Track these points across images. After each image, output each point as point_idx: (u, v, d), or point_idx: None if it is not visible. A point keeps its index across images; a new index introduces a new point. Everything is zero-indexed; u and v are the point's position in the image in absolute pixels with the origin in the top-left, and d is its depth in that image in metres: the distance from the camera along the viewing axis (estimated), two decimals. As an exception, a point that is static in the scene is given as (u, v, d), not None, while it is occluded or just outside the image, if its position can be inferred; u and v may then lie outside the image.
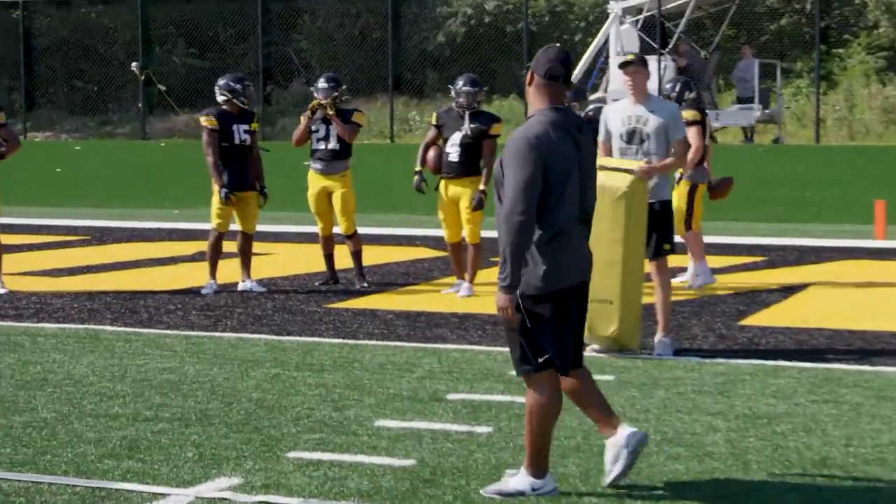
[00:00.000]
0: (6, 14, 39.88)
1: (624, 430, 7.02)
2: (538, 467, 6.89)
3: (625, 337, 10.54)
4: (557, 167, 6.78)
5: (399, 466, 7.36)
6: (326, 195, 14.28)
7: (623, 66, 10.71)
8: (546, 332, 6.84)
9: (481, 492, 6.83)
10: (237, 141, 13.88)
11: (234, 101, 13.95)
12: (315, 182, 14.33)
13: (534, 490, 6.86)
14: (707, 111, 14.27)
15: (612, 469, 6.97)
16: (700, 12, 33.45)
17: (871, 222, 19.38)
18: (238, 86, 14.00)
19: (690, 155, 13.34)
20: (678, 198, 13.76)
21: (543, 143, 6.75)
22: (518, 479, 6.89)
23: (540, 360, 6.83)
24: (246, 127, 13.94)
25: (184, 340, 11.31)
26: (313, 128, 14.26)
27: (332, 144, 14.22)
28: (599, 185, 10.48)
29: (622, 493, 6.86)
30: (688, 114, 13.52)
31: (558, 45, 7.12)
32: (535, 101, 6.94)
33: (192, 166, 27.24)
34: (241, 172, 13.88)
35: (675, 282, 13.62)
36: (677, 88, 14.22)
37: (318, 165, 14.31)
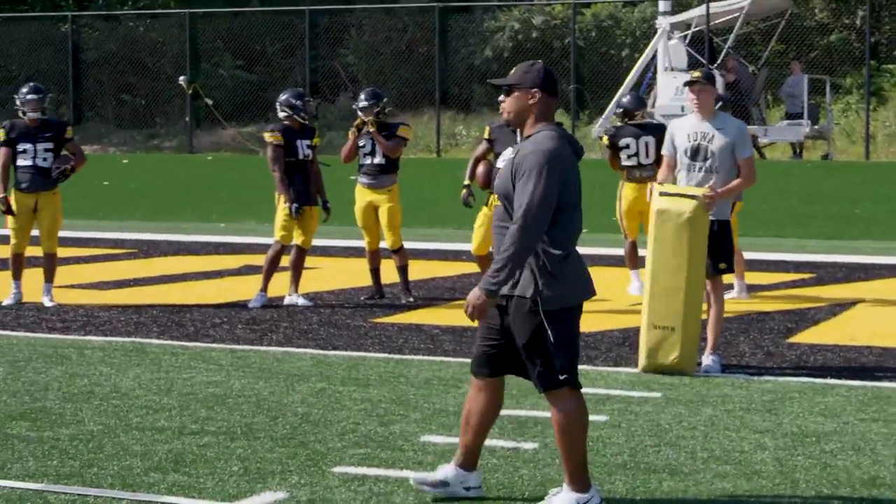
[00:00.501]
0: (55, 28, 40.17)
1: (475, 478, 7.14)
2: (581, 482, 6.87)
3: (684, 363, 10.47)
4: (571, 183, 6.84)
5: (444, 482, 7.34)
6: (373, 209, 14.31)
7: (689, 84, 10.69)
8: (570, 346, 6.87)
9: None
10: (300, 156, 13.94)
11: (295, 116, 14.01)
12: (362, 196, 14.36)
13: None
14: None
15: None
16: (749, 27, 33.38)
17: (922, 239, 19.25)
18: (298, 102, 14.08)
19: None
20: None
21: (559, 158, 6.81)
22: (563, 497, 6.87)
23: (563, 376, 6.82)
24: (308, 142, 14.01)
25: (230, 354, 11.34)
26: (360, 143, 14.30)
27: (379, 159, 14.25)
28: (662, 209, 10.50)
29: (669, 510, 6.84)
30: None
31: (540, 61, 7.16)
32: (535, 117, 6.95)
33: (239, 180, 27.39)
34: (305, 187, 13.95)
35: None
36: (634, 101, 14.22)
37: (365, 180, 14.34)
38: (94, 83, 40.62)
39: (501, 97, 7.09)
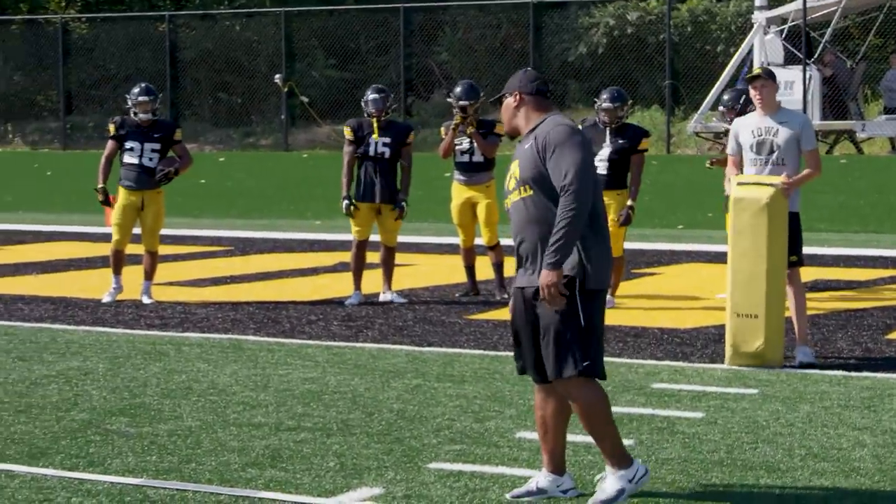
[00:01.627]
0: (152, 28, 40.56)
1: (568, 480, 7.13)
2: (622, 458, 6.89)
3: (769, 352, 10.45)
4: (591, 160, 6.93)
5: (540, 478, 7.34)
6: (470, 206, 14.32)
7: (750, 80, 10.74)
8: (598, 332, 6.89)
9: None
10: (371, 152, 13.93)
11: (366, 112, 14.05)
12: (459, 193, 14.37)
13: (630, 481, 6.86)
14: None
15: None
16: (846, 21, 33.02)
17: None
18: (368, 98, 14.06)
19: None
20: None
21: (580, 132, 6.92)
22: (612, 481, 6.86)
23: (585, 363, 6.81)
24: (385, 139, 13.97)
25: (325, 351, 11.41)
26: (456, 141, 14.30)
27: (477, 156, 14.25)
28: (739, 198, 10.53)
29: (766, 508, 6.80)
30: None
31: (529, 68, 7.29)
32: (530, 115, 7.05)
33: (334, 178, 27.39)
34: (374, 183, 13.91)
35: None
36: (741, 101, 13.97)
37: (462, 177, 14.35)
38: (190, 82, 40.92)
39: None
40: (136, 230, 14.40)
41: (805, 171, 10.66)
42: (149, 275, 14.32)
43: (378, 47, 39.58)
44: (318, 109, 32.66)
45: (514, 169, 7.00)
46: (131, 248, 14.64)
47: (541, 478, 7.11)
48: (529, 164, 6.90)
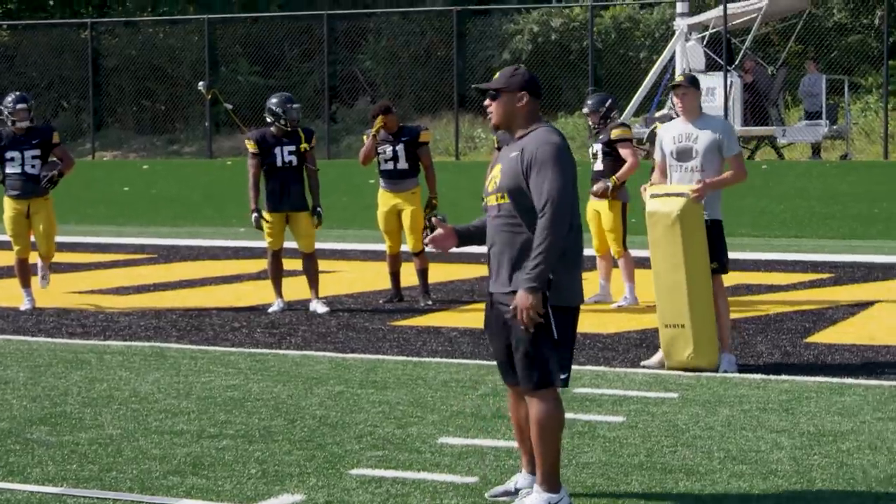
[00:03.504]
0: (75, 35, 40.29)
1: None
2: (553, 482, 6.89)
3: (701, 359, 10.51)
4: (574, 179, 6.92)
5: (461, 483, 7.37)
6: (396, 213, 14.33)
7: (673, 87, 10.82)
8: (570, 346, 6.95)
9: None
10: (279, 163, 13.87)
11: (277, 123, 13.98)
12: (385, 200, 14.38)
13: None
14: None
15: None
16: (767, 28, 33.32)
17: (941, 239, 19.22)
18: (279, 109, 13.95)
19: (627, 171, 13.59)
20: (612, 218, 13.89)
21: (567, 151, 6.93)
22: (534, 498, 6.87)
23: (563, 375, 6.89)
24: (291, 148, 13.91)
25: (248, 358, 11.38)
26: (379, 150, 14.31)
27: (401, 164, 14.27)
28: (652, 211, 10.61)
29: (685, 510, 6.85)
30: (618, 132, 13.75)
31: (523, 66, 7.23)
32: (526, 119, 7.01)
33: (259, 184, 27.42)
34: (283, 193, 13.87)
35: (613, 306, 13.82)
36: (606, 105, 14.13)
37: (388, 184, 14.36)
38: (114, 89, 40.71)
39: (487, 101, 7.07)
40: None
41: (725, 174, 10.68)
42: (44, 275, 14.48)
43: (302, 54, 39.53)
44: (242, 116, 32.56)
45: (496, 173, 7.02)
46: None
47: (520, 478, 7.14)
48: (511, 174, 6.91)
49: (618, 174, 13.74)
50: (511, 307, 6.80)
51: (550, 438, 6.86)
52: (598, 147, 14.00)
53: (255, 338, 12.43)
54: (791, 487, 7.27)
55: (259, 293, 15.24)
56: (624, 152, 13.78)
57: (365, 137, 14.48)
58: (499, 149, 13.50)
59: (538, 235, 6.75)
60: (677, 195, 10.49)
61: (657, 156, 10.93)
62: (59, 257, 14.63)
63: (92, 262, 18.57)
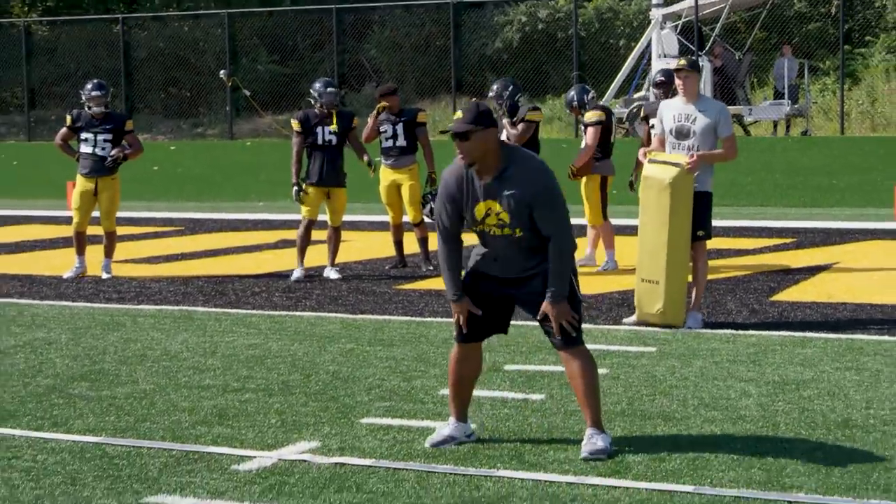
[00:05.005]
0: (108, 29, 40.19)
1: (470, 426, 7.27)
2: (600, 423, 6.98)
3: (669, 314, 10.53)
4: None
5: (461, 430, 7.36)
6: (396, 187, 14.31)
7: (676, 71, 10.73)
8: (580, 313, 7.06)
9: (582, 457, 6.78)
10: (320, 141, 13.83)
11: (316, 104, 13.95)
12: (386, 176, 14.36)
13: (610, 444, 6.90)
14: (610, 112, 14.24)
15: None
16: (734, 17, 33.23)
17: (892, 206, 19.20)
18: (318, 91, 13.94)
19: (587, 155, 13.54)
20: (592, 190, 13.88)
21: (550, 171, 6.98)
22: (603, 439, 6.87)
23: (581, 334, 6.98)
24: (330, 128, 13.88)
25: (267, 319, 11.38)
26: (381, 128, 14.29)
27: (400, 142, 14.25)
28: (648, 175, 10.60)
29: (663, 452, 6.85)
30: (590, 115, 13.71)
31: (478, 101, 7.17)
32: (498, 149, 6.84)
33: (275, 163, 27.37)
34: (325, 169, 13.81)
35: (599, 269, 13.86)
36: (576, 95, 14.10)
37: (389, 161, 14.35)
38: (144, 78, 40.60)
39: (457, 143, 6.80)
40: (97, 213, 14.35)
41: (716, 151, 10.67)
42: (108, 252, 14.31)
43: (314, 44, 39.43)
44: (259, 101, 32.48)
45: (496, 208, 6.84)
46: (93, 230, 14.55)
47: (451, 426, 7.17)
48: (518, 213, 6.81)
49: (575, 160, 13.79)
50: (542, 314, 6.90)
51: (597, 385, 6.98)
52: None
53: (273, 301, 12.42)
54: (758, 431, 7.28)
55: (277, 261, 15.23)
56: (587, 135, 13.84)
57: (370, 119, 14.44)
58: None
59: (555, 259, 6.81)
60: (674, 164, 10.49)
61: (657, 129, 10.89)
62: (93, 230, 14.59)
63: (126, 234, 18.54)
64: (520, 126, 13.60)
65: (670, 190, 10.42)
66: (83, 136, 14.21)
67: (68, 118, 14.44)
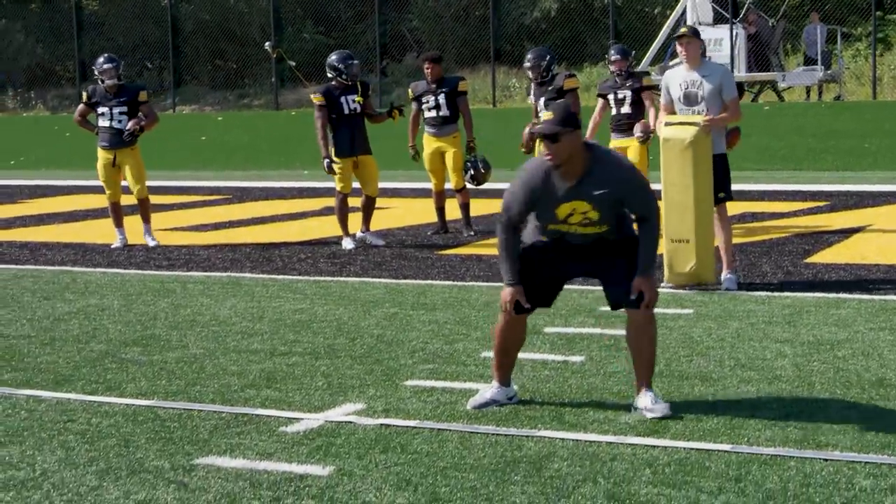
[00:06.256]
0: (156, 3, 40.25)
1: (513, 389, 7.24)
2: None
3: (702, 272, 10.50)
4: None
5: (502, 392, 7.35)
6: (440, 154, 14.31)
7: (677, 38, 10.69)
8: None
9: (651, 416, 6.75)
10: (346, 111, 13.75)
11: (339, 78, 13.85)
12: (429, 144, 14.36)
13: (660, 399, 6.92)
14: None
15: None
16: (768, -16, 32.97)
17: (924, 169, 19.04)
18: (341, 65, 13.82)
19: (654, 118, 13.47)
20: (641, 156, 13.70)
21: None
22: (660, 406, 6.83)
23: None
24: (354, 97, 13.81)
25: (313, 285, 11.39)
26: (423, 99, 14.28)
27: (444, 111, 14.24)
28: (668, 137, 10.55)
29: (701, 412, 6.82)
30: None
31: (564, 101, 7.16)
32: (583, 149, 6.74)
33: (320, 132, 27.46)
34: (354, 139, 13.75)
35: None
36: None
37: (432, 130, 14.34)
38: (191, 50, 40.68)
39: (545, 144, 6.65)
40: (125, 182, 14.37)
41: (724, 114, 10.60)
42: (145, 219, 14.31)
43: (356, 15, 39.38)
44: (304, 72, 32.51)
45: (583, 207, 6.76)
46: (128, 199, 14.56)
47: (494, 390, 7.14)
48: (608, 210, 6.77)
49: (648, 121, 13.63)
50: (636, 293, 6.86)
51: (656, 342, 7.05)
52: (627, 93, 13.77)
53: (318, 267, 12.44)
54: (794, 391, 7.24)
55: (322, 228, 15.25)
56: (647, 101, 13.68)
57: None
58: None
59: (647, 239, 6.82)
60: (691, 124, 10.45)
61: (664, 99, 10.86)
62: (127, 199, 14.61)
63: (174, 203, 18.61)
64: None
65: (692, 149, 10.39)
66: (100, 110, 14.22)
67: (84, 94, 14.50)
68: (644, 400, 6.88)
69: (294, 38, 38.74)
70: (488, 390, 7.18)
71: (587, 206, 6.76)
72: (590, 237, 6.92)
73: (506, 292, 6.98)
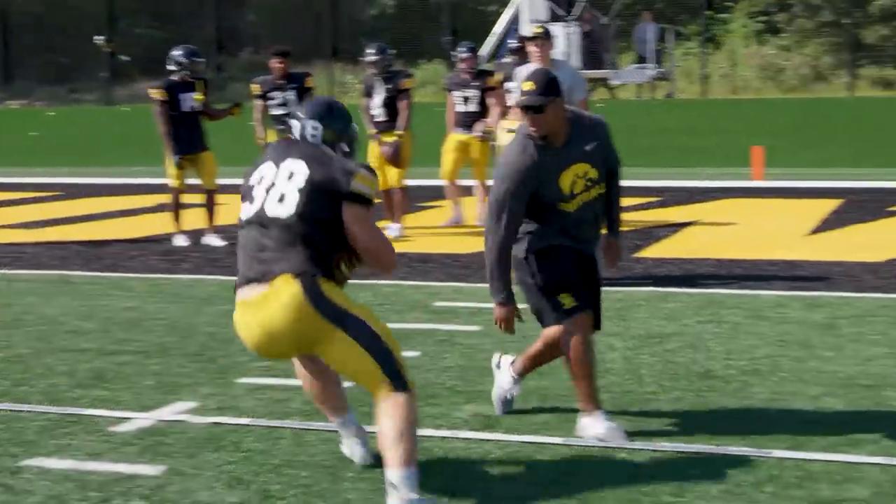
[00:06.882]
0: (-17, -5, 39.31)
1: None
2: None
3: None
4: None
5: (336, 388, 7.32)
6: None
7: (530, 39, 10.75)
8: None
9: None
10: (185, 108, 13.61)
11: (181, 72, 13.69)
12: (272, 139, 14.30)
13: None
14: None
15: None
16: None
17: (750, 165, 19.49)
18: (185, 60, 13.69)
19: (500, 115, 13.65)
20: (485, 150, 13.97)
21: None
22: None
23: None
24: (193, 94, 13.66)
25: (145, 282, 11.22)
26: (269, 96, 14.21)
27: (291, 108, 14.19)
28: (501, 144, 10.61)
29: (533, 406, 6.88)
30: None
31: (546, 68, 6.91)
32: (565, 115, 6.37)
33: (153, 128, 27.11)
34: (193, 136, 13.61)
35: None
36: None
37: (279, 126, 14.30)
38: (22, 44, 39.82)
39: (529, 117, 6.22)
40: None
41: None
42: None
43: (192, 10, 38.95)
44: (137, 67, 32.02)
45: (583, 168, 6.31)
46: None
47: (605, 424, 6.29)
48: (601, 163, 6.41)
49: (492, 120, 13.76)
50: (613, 255, 6.80)
51: None
52: (474, 92, 13.96)
53: (150, 264, 12.26)
54: (623, 383, 7.34)
55: (154, 225, 15.03)
56: (492, 100, 13.86)
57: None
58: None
59: (617, 193, 6.71)
60: None
61: (514, 98, 10.90)
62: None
63: (3, 199, 18.18)
64: (404, 102, 13.63)
65: None
66: None
67: None
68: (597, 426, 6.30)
69: (128, 32, 38.16)
70: (601, 427, 6.25)
71: (586, 167, 6.34)
72: (590, 207, 6.43)
73: (499, 312, 6.33)
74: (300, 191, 5.43)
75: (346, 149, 5.70)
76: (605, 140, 6.47)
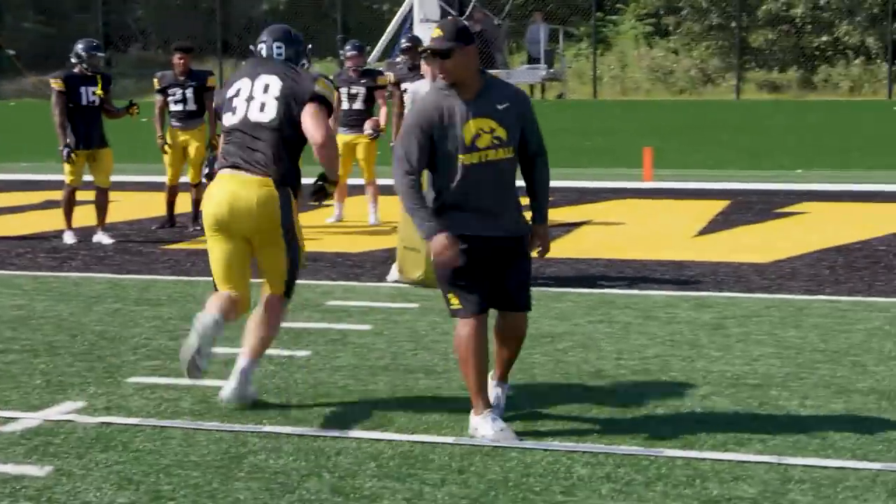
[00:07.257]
0: None
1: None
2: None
3: (430, 280, 10.54)
4: None
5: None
6: (181, 148, 14.18)
7: (422, 55, 10.69)
8: None
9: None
10: (84, 102, 13.40)
11: (81, 65, 13.51)
12: (173, 136, 14.20)
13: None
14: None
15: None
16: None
17: (640, 166, 19.69)
18: (85, 53, 13.52)
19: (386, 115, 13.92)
20: (372, 149, 14.31)
21: None
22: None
23: None
24: (94, 89, 13.47)
25: (32, 280, 11.06)
26: (169, 92, 14.09)
27: (190, 106, 14.18)
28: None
29: (426, 405, 6.88)
30: (383, 79, 14.08)
31: (457, 18, 6.93)
32: (477, 69, 6.25)
33: (40, 123, 26.64)
34: (90, 131, 13.40)
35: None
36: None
37: (177, 123, 14.19)
38: None
39: (436, 63, 6.14)
40: None
41: None
42: None
43: (79, 4, 38.46)
44: (24, 61, 31.52)
45: (489, 124, 6.21)
46: None
47: (494, 423, 6.30)
48: (514, 127, 6.27)
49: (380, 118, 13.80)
50: (540, 242, 6.59)
51: None
52: (361, 90, 14.12)
53: (38, 262, 12.08)
54: (515, 383, 7.36)
55: (42, 222, 14.81)
56: (380, 100, 14.10)
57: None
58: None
59: (543, 177, 6.54)
60: None
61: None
62: None
63: None
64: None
65: None
66: None
67: None
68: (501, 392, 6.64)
69: (14, 26, 37.56)
70: (490, 428, 6.24)
71: (494, 124, 6.20)
72: (498, 170, 6.29)
73: (435, 242, 6.15)
74: (276, 98, 6.74)
75: (306, 63, 7.00)
76: (525, 112, 6.38)
